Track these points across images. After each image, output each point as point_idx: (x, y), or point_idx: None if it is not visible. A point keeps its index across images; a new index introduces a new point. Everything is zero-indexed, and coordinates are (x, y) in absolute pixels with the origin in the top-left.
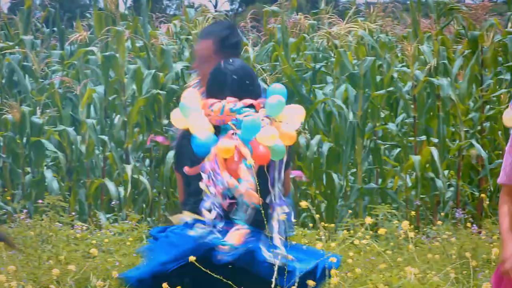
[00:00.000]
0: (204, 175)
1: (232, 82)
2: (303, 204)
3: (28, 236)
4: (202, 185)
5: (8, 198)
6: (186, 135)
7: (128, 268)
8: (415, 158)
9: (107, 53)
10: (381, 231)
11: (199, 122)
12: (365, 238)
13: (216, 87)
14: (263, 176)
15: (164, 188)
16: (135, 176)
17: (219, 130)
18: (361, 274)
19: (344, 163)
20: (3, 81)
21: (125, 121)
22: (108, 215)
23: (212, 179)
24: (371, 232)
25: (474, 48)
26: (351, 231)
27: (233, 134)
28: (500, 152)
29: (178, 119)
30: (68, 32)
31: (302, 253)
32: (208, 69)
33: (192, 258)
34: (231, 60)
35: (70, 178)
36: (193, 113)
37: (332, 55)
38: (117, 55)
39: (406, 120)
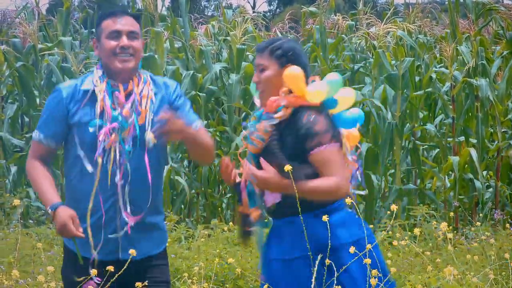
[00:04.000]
0: None
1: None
2: (348, 201)
3: None
4: None
5: None
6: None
7: None
8: (454, 159)
9: (146, 54)
10: (417, 231)
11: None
12: (404, 239)
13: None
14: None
15: (203, 189)
16: (173, 177)
17: None
18: (400, 275)
19: (382, 164)
20: (42, 82)
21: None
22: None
23: None
24: (409, 233)
25: None
26: (390, 232)
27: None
28: None
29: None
30: None
31: None
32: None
33: None
34: None
35: None
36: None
37: (371, 55)
38: (156, 56)
39: (444, 121)
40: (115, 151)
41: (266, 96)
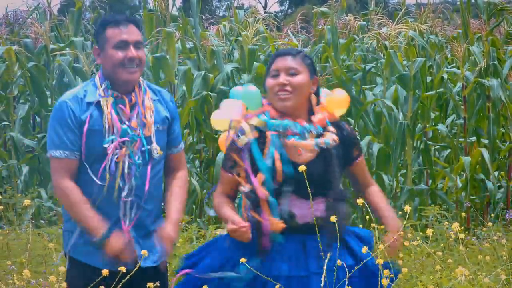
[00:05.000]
0: None
1: None
2: (359, 201)
3: None
4: None
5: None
6: None
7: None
8: (465, 159)
9: (157, 55)
10: (429, 232)
11: None
12: (416, 240)
13: None
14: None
15: (214, 189)
16: None
17: None
18: (411, 275)
19: (394, 164)
20: (54, 82)
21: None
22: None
23: None
24: (421, 233)
25: None
26: (401, 232)
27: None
28: None
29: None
30: None
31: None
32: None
33: None
34: None
35: None
36: None
37: (382, 56)
38: (167, 56)
39: (456, 121)
40: (123, 164)
41: (294, 100)
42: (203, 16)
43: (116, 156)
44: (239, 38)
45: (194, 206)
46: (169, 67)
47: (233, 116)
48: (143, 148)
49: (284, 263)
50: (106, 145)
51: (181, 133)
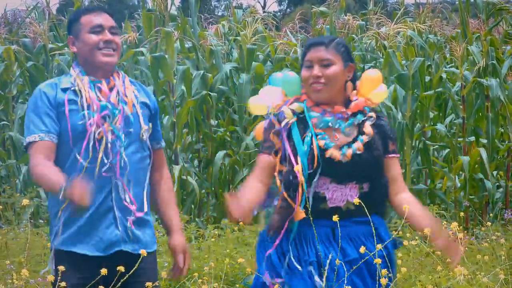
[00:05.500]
0: None
1: None
2: (356, 201)
3: None
4: None
5: None
6: None
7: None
8: (464, 159)
9: (156, 54)
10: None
11: None
12: (415, 239)
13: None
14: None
15: (213, 189)
16: (184, 177)
17: None
18: (410, 275)
19: None
20: None
21: (174, 122)
22: (156, 216)
23: None
24: (420, 233)
25: None
26: (400, 232)
27: None
28: None
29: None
30: None
31: None
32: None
33: None
34: None
35: None
36: None
37: (381, 55)
38: (166, 56)
39: (455, 121)
40: (106, 140)
41: (328, 92)
42: (202, 16)
43: (98, 132)
44: (238, 37)
45: (192, 206)
46: (168, 66)
47: (272, 102)
48: (130, 130)
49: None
50: (81, 122)
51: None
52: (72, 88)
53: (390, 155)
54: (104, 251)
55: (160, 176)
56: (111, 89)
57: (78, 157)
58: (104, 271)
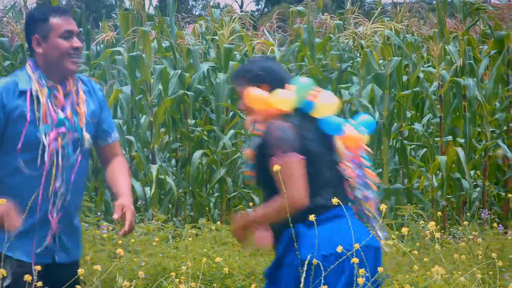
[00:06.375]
0: (349, 167)
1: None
2: (334, 201)
3: None
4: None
5: None
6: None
7: (154, 267)
8: (441, 159)
9: (133, 54)
10: (404, 230)
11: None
12: (392, 238)
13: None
14: None
15: (190, 188)
16: (161, 176)
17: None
18: (387, 274)
19: (370, 163)
20: None
21: (151, 121)
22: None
23: (358, 174)
24: (397, 232)
25: (500, 48)
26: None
27: None
28: None
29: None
30: (94, 33)
31: None
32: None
33: None
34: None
35: (96, 179)
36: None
37: (358, 55)
38: (144, 55)
39: (432, 120)
40: (57, 155)
41: (251, 115)
42: (179, 15)
43: (53, 146)
44: (215, 37)
45: (170, 205)
46: (145, 66)
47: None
48: (78, 142)
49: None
50: (37, 134)
51: (114, 123)
52: (29, 91)
53: (271, 159)
54: (40, 259)
55: (113, 161)
56: (66, 96)
57: (22, 165)
58: (28, 277)
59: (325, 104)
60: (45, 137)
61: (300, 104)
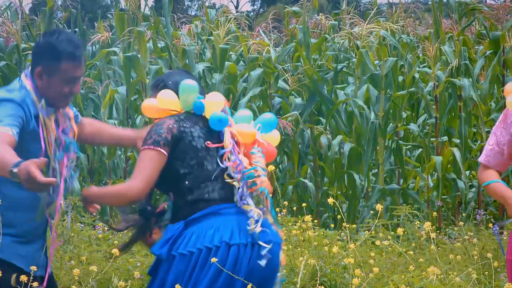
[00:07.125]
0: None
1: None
2: (330, 200)
3: None
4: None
5: None
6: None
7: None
8: (437, 159)
9: (129, 54)
10: (400, 231)
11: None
12: (387, 239)
13: None
14: None
15: None
16: None
17: None
18: (383, 274)
19: (365, 164)
20: None
21: (147, 121)
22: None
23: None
24: (392, 232)
25: (496, 48)
26: (373, 232)
27: None
28: None
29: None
30: (90, 33)
31: None
32: None
33: None
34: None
35: (92, 179)
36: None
37: (354, 55)
38: (139, 55)
39: (427, 121)
40: (60, 173)
41: None
42: (175, 16)
43: (65, 173)
44: (211, 37)
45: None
46: (141, 66)
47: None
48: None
49: None
50: (55, 164)
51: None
52: (40, 118)
53: None
54: (37, 271)
55: (92, 127)
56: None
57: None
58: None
59: (211, 103)
60: (56, 164)
61: (189, 107)
